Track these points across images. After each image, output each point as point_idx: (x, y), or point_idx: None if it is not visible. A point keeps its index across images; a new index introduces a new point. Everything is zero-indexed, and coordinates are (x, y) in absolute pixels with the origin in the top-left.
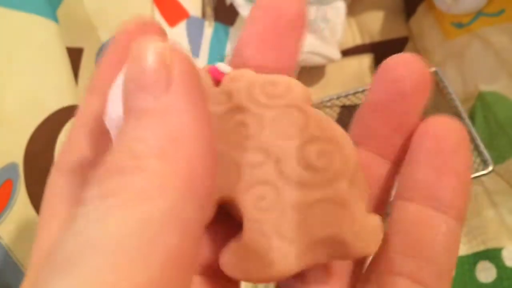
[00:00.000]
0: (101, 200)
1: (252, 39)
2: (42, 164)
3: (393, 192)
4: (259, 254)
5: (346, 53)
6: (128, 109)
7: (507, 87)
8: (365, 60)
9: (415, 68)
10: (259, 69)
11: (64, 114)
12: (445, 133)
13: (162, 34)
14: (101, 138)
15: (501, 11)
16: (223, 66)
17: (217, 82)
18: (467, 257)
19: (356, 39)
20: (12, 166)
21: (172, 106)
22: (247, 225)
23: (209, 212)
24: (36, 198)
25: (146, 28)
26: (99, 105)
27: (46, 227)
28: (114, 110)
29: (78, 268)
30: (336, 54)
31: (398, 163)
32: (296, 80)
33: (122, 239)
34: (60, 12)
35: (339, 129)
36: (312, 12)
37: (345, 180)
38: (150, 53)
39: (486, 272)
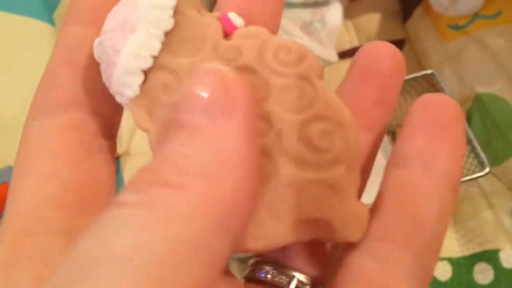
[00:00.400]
0: (135, 209)
1: None
2: None
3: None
4: (247, 226)
5: (343, 55)
6: (181, 123)
7: (504, 89)
8: None
9: (391, 51)
10: (242, 12)
11: None
12: (443, 107)
13: None
14: (89, 74)
15: (498, 13)
16: (235, 17)
17: (226, 33)
18: (465, 258)
19: (353, 41)
20: (8, 170)
21: (228, 132)
22: None
23: (237, 243)
24: None
25: None
26: (84, 35)
27: (20, 182)
28: (111, 43)
29: (95, 278)
30: (333, 56)
31: (378, 135)
32: (311, 51)
33: (148, 256)
34: (57, 15)
35: (346, 111)
36: (309, 14)
37: (343, 165)
38: (217, 77)
39: (483, 274)
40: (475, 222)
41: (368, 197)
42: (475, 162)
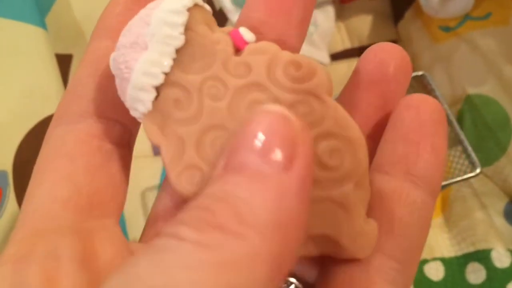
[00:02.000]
0: (195, 247)
1: (260, 2)
2: (31, 172)
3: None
4: None
5: (336, 57)
6: (238, 164)
7: (495, 89)
8: (354, 64)
9: (397, 54)
10: (265, 34)
11: None
12: (424, 110)
13: None
14: (112, 86)
15: (488, 15)
16: (246, 33)
17: (238, 49)
18: (457, 258)
19: (345, 43)
20: (1, 174)
21: (288, 186)
22: None
23: None
24: None
25: None
26: (108, 49)
27: (36, 184)
28: (124, 60)
29: None
30: (326, 58)
31: (378, 142)
32: (321, 66)
33: None
34: (49, 19)
35: (355, 128)
36: None
37: (352, 182)
38: (282, 122)
39: (476, 274)
40: (467, 222)
41: None
42: (466, 162)
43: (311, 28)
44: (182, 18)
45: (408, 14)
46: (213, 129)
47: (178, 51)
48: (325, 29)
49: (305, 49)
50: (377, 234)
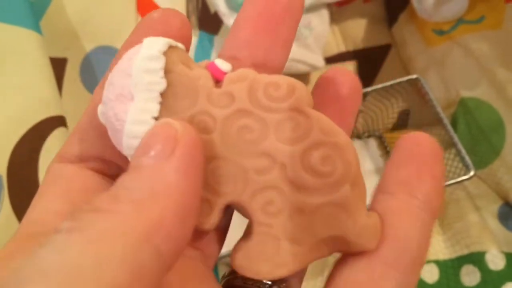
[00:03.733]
0: (68, 233)
1: (248, 22)
2: (25, 175)
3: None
4: (270, 256)
5: (330, 60)
6: (130, 165)
7: (488, 93)
8: (349, 67)
9: (349, 77)
10: (253, 55)
11: (48, 125)
12: (425, 143)
13: (184, 24)
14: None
15: (481, 18)
16: (221, 64)
17: (217, 81)
18: (451, 261)
19: (340, 47)
20: None
21: (165, 170)
22: (256, 229)
23: (171, 262)
24: (19, 209)
25: (169, 17)
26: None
27: (36, 200)
28: (114, 113)
29: None
30: (320, 62)
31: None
32: (299, 81)
33: (74, 271)
34: (44, 23)
35: (341, 133)
36: None
37: (348, 184)
38: (163, 127)
39: (470, 276)
40: (461, 225)
41: None
42: (460, 165)
43: (305, 32)
44: (160, 63)
45: (402, 18)
46: (211, 161)
47: (162, 94)
48: (320, 32)
49: (300, 52)
50: (379, 224)
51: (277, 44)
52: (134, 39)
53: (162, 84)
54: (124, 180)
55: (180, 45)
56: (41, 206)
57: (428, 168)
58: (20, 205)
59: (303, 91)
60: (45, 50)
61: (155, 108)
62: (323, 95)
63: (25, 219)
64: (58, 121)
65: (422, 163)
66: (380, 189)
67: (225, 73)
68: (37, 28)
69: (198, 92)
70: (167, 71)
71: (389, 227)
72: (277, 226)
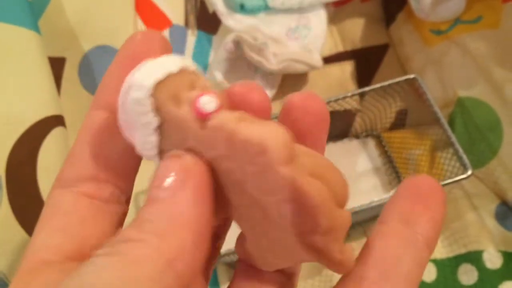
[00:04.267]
0: (106, 256)
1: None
2: (24, 175)
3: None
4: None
5: (328, 60)
6: (147, 198)
7: (485, 92)
8: (347, 67)
9: (313, 107)
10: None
11: (46, 125)
12: (426, 185)
13: (166, 46)
14: (105, 152)
15: (479, 18)
16: (207, 104)
17: (203, 119)
18: (449, 259)
19: (338, 47)
20: None
21: (179, 200)
22: (251, 234)
23: (189, 282)
24: (18, 209)
25: (151, 40)
26: (104, 119)
27: (35, 234)
28: (122, 116)
29: None
30: (318, 62)
31: None
32: (277, 134)
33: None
34: (42, 22)
35: (312, 192)
36: (294, 20)
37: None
38: (175, 160)
39: (468, 275)
40: (459, 224)
41: (352, 201)
42: (458, 164)
43: (303, 32)
44: (147, 106)
45: (400, 17)
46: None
47: (160, 127)
48: (317, 32)
49: (298, 52)
50: (352, 256)
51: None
52: (119, 63)
53: (155, 122)
54: (145, 212)
55: (185, 63)
56: (40, 238)
57: (429, 206)
58: (19, 205)
59: (275, 150)
60: (44, 50)
61: (155, 140)
62: (288, 119)
63: (26, 249)
64: (56, 121)
65: (422, 201)
66: (380, 221)
67: (208, 114)
68: (35, 28)
69: (187, 132)
70: (157, 109)
71: (384, 252)
72: (266, 238)
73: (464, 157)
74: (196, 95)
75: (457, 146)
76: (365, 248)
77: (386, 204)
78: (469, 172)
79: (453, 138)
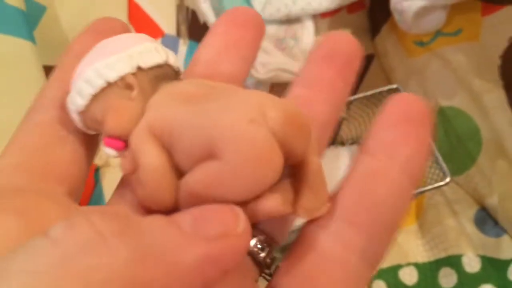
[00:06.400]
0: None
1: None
2: None
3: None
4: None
5: None
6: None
7: (464, 102)
8: None
9: (348, 38)
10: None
11: None
12: (412, 105)
13: (124, 28)
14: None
15: (459, 31)
16: (109, 151)
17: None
18: (430, 263)
19: None
20: None
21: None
22: None
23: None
24: None
25: (112, 24)
26: (59, 93)
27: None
28: (72, 99)
29: None
30: None
31: (336, 108)
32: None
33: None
34: (37, 32)
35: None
36: (282, 31)
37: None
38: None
39: (447, 278)
40: (439, 229)
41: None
42: (437, 171)
43: (291, 42)
44: (94, 90)
45: (385, 29)
46: None
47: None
48: (305, 43)
49: (285, 61)
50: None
51: (240, 59)
52: (83, 39)
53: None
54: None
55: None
56: (3, 158)
57: (414, 130)
58: None
59: None
60: (39, 59)
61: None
62: (323, 53)
63: None
64: None
65: (408, 124)
66: (363, 150)
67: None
68: (31, 38)
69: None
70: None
71: (364, 189)
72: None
73: (444, 164)
74: (104, 137)
75: (437, 154)
76: (353, 184)
77: (374, 127)
78: (448, 179)
79: (433, 146)
